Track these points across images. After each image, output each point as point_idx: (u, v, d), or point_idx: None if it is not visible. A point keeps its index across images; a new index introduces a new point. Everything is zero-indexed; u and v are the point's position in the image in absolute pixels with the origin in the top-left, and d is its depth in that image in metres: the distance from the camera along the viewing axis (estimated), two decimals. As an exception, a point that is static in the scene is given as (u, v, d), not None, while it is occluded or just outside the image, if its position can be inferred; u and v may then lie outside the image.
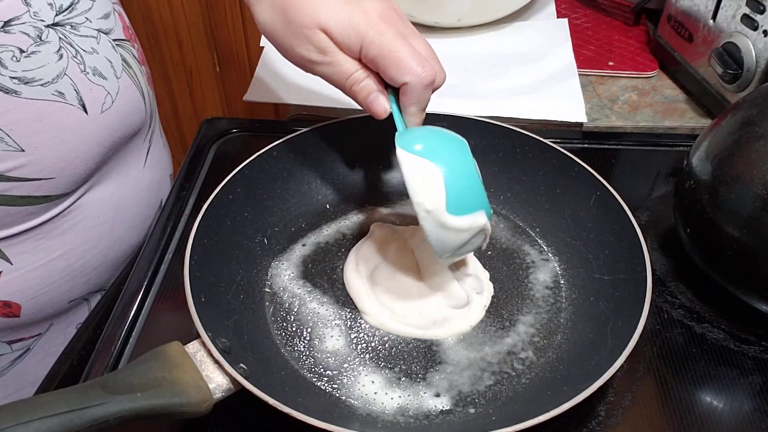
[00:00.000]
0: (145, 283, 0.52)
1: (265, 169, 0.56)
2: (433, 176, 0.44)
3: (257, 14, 0.49)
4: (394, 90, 0.48)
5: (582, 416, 0.44)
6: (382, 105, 0.47)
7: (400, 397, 0.45)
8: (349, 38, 0.45)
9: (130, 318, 0.50)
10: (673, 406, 0.45)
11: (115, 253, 0.63)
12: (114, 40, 0.58)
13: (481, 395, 0.45)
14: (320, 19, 0.45)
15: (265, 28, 0.49)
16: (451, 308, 0.50)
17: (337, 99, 0.70)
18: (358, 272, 0.52)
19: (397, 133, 0.47)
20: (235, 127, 0.68)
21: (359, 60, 0.46)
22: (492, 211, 0.48)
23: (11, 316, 0.57)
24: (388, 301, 0.51)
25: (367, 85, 0.46)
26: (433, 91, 0.48)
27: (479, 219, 0.45)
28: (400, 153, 0.45)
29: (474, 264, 0.54)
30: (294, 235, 0.56)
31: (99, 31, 0.56)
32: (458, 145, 0.46)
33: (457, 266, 0.53)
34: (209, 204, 0.50)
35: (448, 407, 0.44)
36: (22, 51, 0.49)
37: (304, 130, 0.58)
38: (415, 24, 0.51)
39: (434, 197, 0.44)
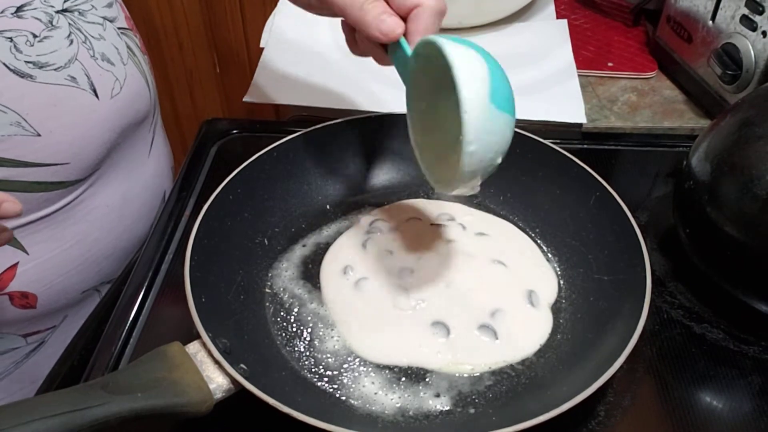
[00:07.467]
0: (146, 283, 0.52)
1: (265, 170, 0.56)
2: (478, 63, 0.41)
3: None
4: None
5: (582, 416, 0.44)
6: (396, 23, 0.44)
7: (400, 397, 0.45)
8: None
9: (131, 318, 0.50)
10: (672, 406, 0.45)
11: (124, 242, 0.64)
12: (119, 28, 0.60)
13: (481, 395, 0.45)
14: None
15: None
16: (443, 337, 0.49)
17: (337, 99, 0.70)
18: (342, 287, 0.52)
19: (419, 42, 0.44)
20: (236, 127, 0.68)
21: None
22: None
23: (28, 307, 0.58)
24: (375, 332, 0.49)
25: (380, 5, 0.45)
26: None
27: (512, 123, 0.43)
28: (442, 42, 0.41)
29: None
30: (294, 235, 0.56)
31: (104, 18, 0.59)
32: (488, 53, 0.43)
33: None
34: (209, 205, 0.51)
35: (448, 407, 0.44)
36: (35, 36, 0.51)
37: (304, 130, 0.58)
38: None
39: (480, 82, 0.40)
